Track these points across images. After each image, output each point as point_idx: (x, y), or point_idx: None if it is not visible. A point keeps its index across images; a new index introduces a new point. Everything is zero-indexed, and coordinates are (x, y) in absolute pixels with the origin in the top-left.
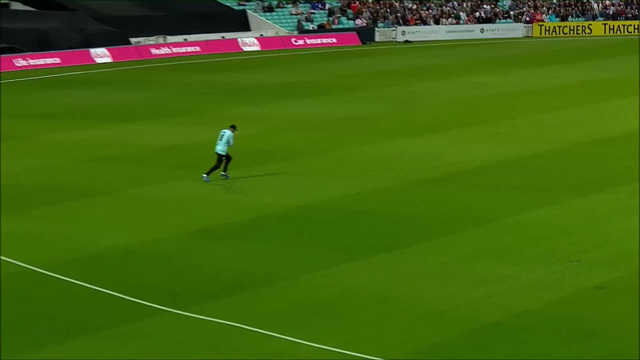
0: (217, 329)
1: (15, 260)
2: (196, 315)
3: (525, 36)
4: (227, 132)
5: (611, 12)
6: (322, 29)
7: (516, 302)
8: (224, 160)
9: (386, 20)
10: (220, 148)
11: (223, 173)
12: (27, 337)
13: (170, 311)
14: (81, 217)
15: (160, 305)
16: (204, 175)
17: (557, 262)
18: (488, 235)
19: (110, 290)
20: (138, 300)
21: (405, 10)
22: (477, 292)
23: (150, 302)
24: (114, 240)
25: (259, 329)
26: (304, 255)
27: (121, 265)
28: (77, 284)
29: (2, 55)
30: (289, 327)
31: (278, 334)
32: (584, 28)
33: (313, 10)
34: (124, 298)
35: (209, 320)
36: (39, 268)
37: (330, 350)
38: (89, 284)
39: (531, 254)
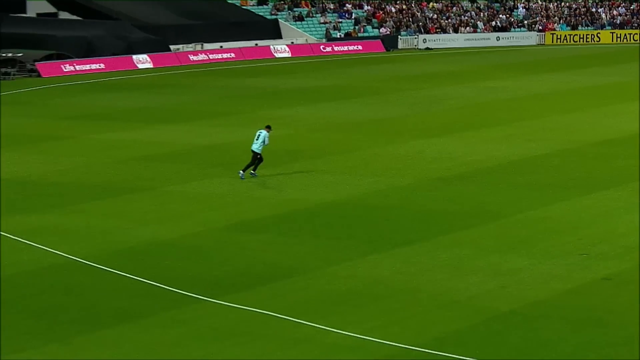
0: (251, 317)
1: (62, 252)
2: (231, 304)
3: (538, 44)
4: (263, 132)
5: (618, 22)
6: (348, 37)
7: (529, 292)
8: (259, 158)
9: (408, 29)
10: (256, 147)
11: (252, 172)
12: (74, 324)
13: (207, 300)
14: (124, 212)
15: (198, 295)
16: (240, 171)
17: (568, 255)
18: (503, 229)
19: (151, 280)
20: (177, 290)
21: (426, 20)
22: (493, 283)
23: (188, 292)
24: (155, 233)
25: (289, 316)
26: (332, 248)
27: (161, 257)
28: (120, 274)
29: (51, 61)
30: (317, 314)
31: (307, 321)
32: (593, 36)
33: (340, 20)
34: (164, 288)
35: (243, 308)
36: (84, 260)
37: (355, 336)
38: (131, 274)
39: (543, 247)
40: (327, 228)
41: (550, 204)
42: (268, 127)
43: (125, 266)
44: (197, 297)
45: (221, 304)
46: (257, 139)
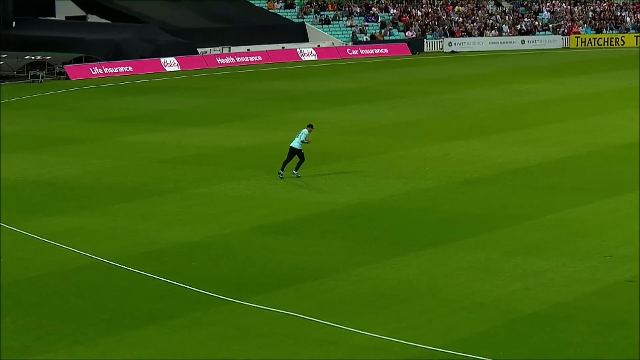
0: (277, 318)
1: (90, 253)
2: (257, 305)
3: (562, 47)
4: (304, 131)
5: None
6: (374, 40)
7: (553, 294)
8: (300, 155)
9: (434, 32)
10: (296, 143)
11: (280, 172)
12: (101, 325)
13: (233, 301)
14: (151, 214)
15: (224, 296)
16: (293, 171)
17: (592, 257)
18: (527, 231)
19: (178, 281)
20: (204, 291)
21: (452, 23)
22: (518, 285)
23: (214, 293)
24: (182, 235)
25: (315, 318)
26: (357, 250)
27: (188, 258)
28: (147, 275)
29: (79, 64)
30: (343, 316)
31: (333, 322)
32: (617, 40)
33: (366, 23)
34: (191, 289)
35: (269, 310)
36: (112, 261)
37: (381, 338)
38: (158, 276)
39: (567, 250)
40: (353, 230)
41: (574, 206)
42: (310, 126)
43: (152, 267)
44: (224, 299)
45: (248, 305)
46: (298, 137)
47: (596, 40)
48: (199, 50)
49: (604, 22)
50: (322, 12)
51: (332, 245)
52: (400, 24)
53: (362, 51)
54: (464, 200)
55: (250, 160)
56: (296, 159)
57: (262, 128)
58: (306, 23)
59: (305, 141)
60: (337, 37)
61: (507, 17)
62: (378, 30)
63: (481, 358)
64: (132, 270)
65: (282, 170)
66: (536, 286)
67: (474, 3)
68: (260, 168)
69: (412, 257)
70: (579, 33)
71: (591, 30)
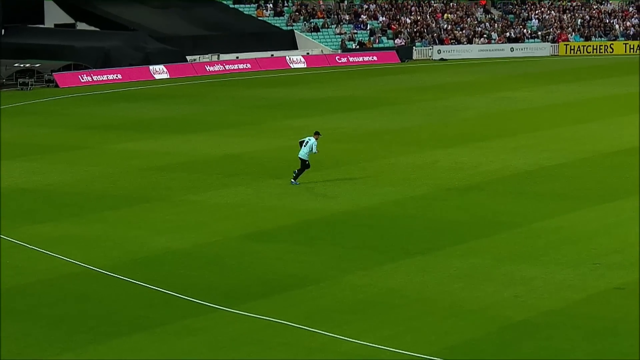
0: (265, 326)
1: (79, 261)
2: (246, 313)
3: (551, 55)
4: (312, 140)
5: (631, 33)
6: (363, 48)
7: (543, 301)
8: (306, 165)
9: (423, 40)
10: (302, 154)
11: (293, 180)
12: (90, 333)
13: (222, 309)
14: (141, 221)
15: (213, 304)
16: (292, 180)
17: (581, 264)
18: (517, 239)
19: (166, 289)
20: (192, 299)
21: (441, 31)
22: (507, 292)
23: (203, 301)
24: (171, 242)
25: (304, 325)
26: (346, 257)
27: (177, 266)
28: (136, 283)
29: (68, 72)
30: (332, 324)
31: (322, 330)
32: (606, 47)
33: (356, 31)
34: (180, 297)
35: (257, 317)
36: (101, 268)
37: (370, 346)
38: (147, 283)
39: (556, 257)
40: (343, 237)
41: (564, 213)
42: (317, 134)
43: (141, 275)
44: (213, 306)
45: (236, 312)
46: (304, 146)
47: (585, 47)
48: (188, 58)
49: (593, 29)
50: (311, 20)
51: (321, 252)
52: (389, 31)
53: (351, 59)
54: (453, 207)
55: (239, 167)
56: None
57: (251, 135)
58: (295, 31)
59: (315, 151)
60: (326, 45)
61: (496, 24)
62: (367, 38)
63: None
64: (121, 278)
65: (295, 179)
66: (525, 293)
67: (463, 11)
68: (249, 175)
69: (401, 264)
70: (567, 40)
71: (580, 37)
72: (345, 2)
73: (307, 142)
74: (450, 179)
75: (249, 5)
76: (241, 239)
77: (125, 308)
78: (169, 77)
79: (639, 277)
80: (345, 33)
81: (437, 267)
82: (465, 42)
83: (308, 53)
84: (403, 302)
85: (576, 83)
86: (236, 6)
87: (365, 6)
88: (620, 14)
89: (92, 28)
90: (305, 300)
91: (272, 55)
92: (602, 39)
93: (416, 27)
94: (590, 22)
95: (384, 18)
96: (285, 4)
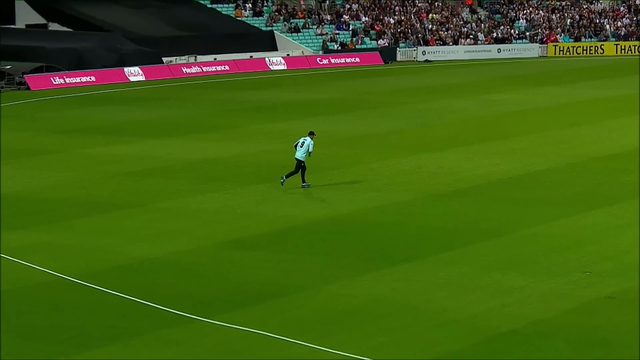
0: (244, 337)
1: (51, 270)
2: (224, 324)
3: (540, 56)
4: (307, 140)
5: (623, 33)
6: (346, 49)
7: (531, 311)
8: (302, 166)
9: (407, 41)
10: (299, 154)
11: (303, 183)
12: (63, 344)
13: (199, 319)
14: (115, 229)
15: (190, 314)
16: (283, 177)
17: (570, 273)
18: (504, 246)
19: (142, 299)
20: (168, 309)
21: (425, 31)
22: (494, 301)
23: (180, 311)
24: (147, 251)
25: (284, 336)
26: (328, 266)
27: (153, 275)
28: (110, 293)
29: (40, 74)
30: (313, 334)
31: (302, 341)
32: (596, 48)
33: (337, 31)
34: (155, 307)
35: (236, 328)
36: (74, 278)
37: (352, 357)
38: (121, 293)
39: (545, 265)
40: (324, 245)
41: (552, 220)
42: (311, 134)
43: (116, 284)
44: (190, 317)
45: (214, 323)
46: (300, 147)
47: (575, 48)
48: (164, 59)
49: (583, 29)
50: (291, 20)
51: (301, 261)
52: (372, 32)
53: (332, 60)
54: (438, 214)
55: (217, 172)
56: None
57: (229, 140)
58: (275, 31)
59: (310, 150)
60: (307, 46)
61: (482, 24)
62: (349, 39)
63: None
64: (94, 288)
65: (286, 177)
66: (513, 303)
67: (448, 10)
68: (228, 181)
69: (384, 273)
70: (556, 41)
71: (569, 38)
72: (327, 1)
73: (303, 142)
74: (435, 185)
75: (227, 5)
76: (219, 247)
77: (99, 318)
78: (144, 79)
79: (632, 286)
80: (327, 34)
81: (422, 276)
82: (451, 43)
83: (288, 54)
84: (386, 312)
85: (565, 85)
86: (214, 6)
87: (348, 6)
88: (611, 13)
89: (65, 28)
90: (285, 310)
91: (251, 56)
92: (593, 39)
93: (400, 28)
94: (580, 22)
95: (366, 18)
96: (265, 4)
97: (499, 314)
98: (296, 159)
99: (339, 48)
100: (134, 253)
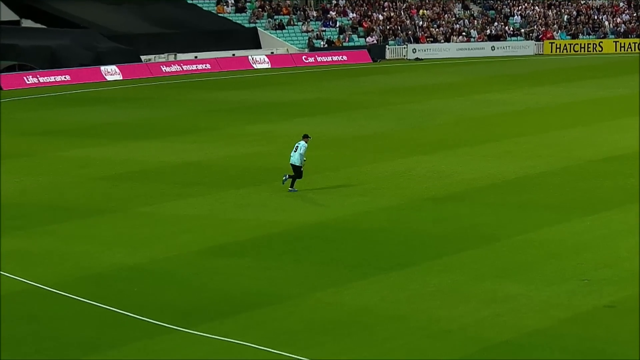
0: (226, 348)
1: (24, 278)
2: (205, 334)
3: (536, 54)
4: (301, 143)
5: (622, 30)
6: (332, 47)
7: (526, 320)
8: (301, 170)
9: (397, 38)
10: (294, 159)
11: (290, 188)
12: (38, 354)
13: (179, 330)
14: (91, 235)
15: (170, 324)
16: (290, 187)
17: (568, 281)
18: (498, 253)
19: (119, 308)
20: (147, 319)
21: (416, 28)
22: (487, 311)
23: (160, 321)
24: (124, 258)
25: (269, 347)
26: (314, 274)
27: (131, 283)
28: (87, 302)
29: (12, 73)
30: (299, 345)
31: (287, 352)
32: (595, 45)
33: (324, 28)
34: (134, 317)
35: (218, 339)
36: (48, 286)
37: None
38: (99, 302)
39: (541, 273)
40: (310, 252)
41: (548, 225)
42: (306, 137)
43: (92, 293)
44: (170, 327)
45: (195, 334)
46: (295, 151)
47: (572, 46)
48: (143, 57)
49: (581, 26)
50: (275, 17)
51: (287, 268)
52: (360, 29)
53: (319, 58)
54: (430, 219)
55: (198, 176)
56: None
57: (211, 142)
58: (258, 28)
59: (303, 157)
60: (292, 44)
61: (475, 21)
62: (336, 36)
63: None
64: (70, 297)
65: (293, 188)
66: (508, 312)
67: (439, 6)
68: (210, 185)
69: (373, 281)
70: (553, 38)
71: (566, 35)
72: None
73: (297, 146)
74: (426, 189)
75: (208, 1)
76: (200, 254)
77: (75, 329)
78: (121, 78)
79: (631, 294)
80: (313, 31)
81: (412, 284)
82: (443, 41)
83: (272, 52)
84: (375, 322)
85: (562, 85)
86: (194, 2)
87: (334, 2)
88: (610, 9)
89: (39, 25)
90: (269, 320)
91: (234, 54)
92: (591, 36)
93: (389, 25)
94: (578, 19)
95: (354, 14)
96: (248, 0)
97: (493, 324)
98: (291, 165)
99: (326, 46)
100: (112, 260)
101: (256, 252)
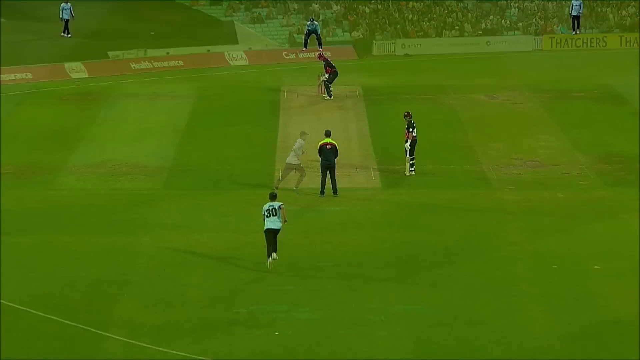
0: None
1: None
2: (179, 352)
3: (534, 49)
4: (300, 141)
5: (628, 24)
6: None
7: (526, 339)
8: (293, 171)
9: (385, 32)
10: (292, 158)
11: (295, 188)
12: None
13: (150, 347)
14: (51, 247)
15: (141, 342)
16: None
17: (569, 295)
18: (492, 266)
19: (81, 324)
20: (116, 337)
21: (405, 22)
22: (484, 327)
23: (129, 339)
24: (88, 270)
25: None
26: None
27: (97, 298)
28: (48, 317)
29: None
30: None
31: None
32: (598, 40)
33: (306, 22)
34: (101, 333)
35: (192, 357)
36: (7, 301)
37: None
38: (60, 317)
39: (541, 286)
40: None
41: (547, 236)
42: (303, 134)
43: (52, 308)
44: (141, 345)
45: (168, 352)
46: (294, 150)
47: (574, 41)
48: (110, 54)
49: (583, 19)
50: (253, 10)
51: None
52: (345, 22)
53: (300, 55)
54: (415, 229)
55: (173, 181)
56: (295, 173)
57: (185, 144)
58: (235, 22)
59: (301, 153)
60: (271, 39)
61: (469, 14)
62: (319, 30)
63: None
64: (32, 312)
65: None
66: (505, 329)
67: None
68: (186, 188)
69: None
70: (553, 33)
71: (568, 29)
72: None
73: (296, 145)
74: (412, 196)
75: None
76: (174, 265)
77: (38, 345)
78: (87, 76)
79: (635, 310)
80: (294, 25)
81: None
82: (434, 35)
83: (250, 48)
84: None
85: (562, 82)
86: None
87: None
88: (615, 1)
89: None
90: (251, 339)
91: (209, 50)
92: (594, 30)
93: (376, 18)
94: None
95: (338, 7)
96: None
97: (488, 341)
98: (291, 164)
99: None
100: (73, 274)
101: (237, 263)
